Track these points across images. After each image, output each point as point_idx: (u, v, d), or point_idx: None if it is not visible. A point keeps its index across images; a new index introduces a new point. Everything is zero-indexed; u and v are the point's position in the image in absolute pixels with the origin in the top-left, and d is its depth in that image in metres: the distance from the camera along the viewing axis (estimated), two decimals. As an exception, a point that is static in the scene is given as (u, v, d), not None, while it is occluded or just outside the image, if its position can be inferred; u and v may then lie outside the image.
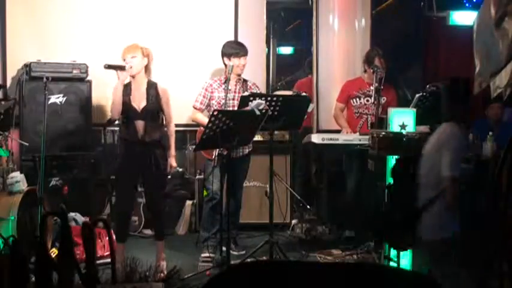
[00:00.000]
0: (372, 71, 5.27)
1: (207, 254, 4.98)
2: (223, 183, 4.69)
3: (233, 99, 5.04)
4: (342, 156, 5.59)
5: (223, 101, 4.93)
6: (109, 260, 2.79)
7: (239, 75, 5.11)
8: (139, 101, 4.54)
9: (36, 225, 4.43)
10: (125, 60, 4.48)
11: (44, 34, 5.84)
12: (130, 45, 4.56)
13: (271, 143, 4.80)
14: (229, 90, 5.02)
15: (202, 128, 4.96)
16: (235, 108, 4.86)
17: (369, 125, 5.39)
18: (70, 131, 5.55)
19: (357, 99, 5.55)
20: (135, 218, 5.76)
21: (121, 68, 4.44)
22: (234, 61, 5.03)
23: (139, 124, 4.51)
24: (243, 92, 5.05)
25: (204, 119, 5.00)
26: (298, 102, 4.87)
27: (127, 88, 4.52)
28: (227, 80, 4.95)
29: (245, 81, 5.20)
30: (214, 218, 5.03)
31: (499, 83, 3.66)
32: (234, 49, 5.08)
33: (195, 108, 5.15)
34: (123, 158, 4.57)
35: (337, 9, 6.31)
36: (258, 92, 5.24)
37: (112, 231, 4.22)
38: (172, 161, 4.71)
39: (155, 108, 4.57)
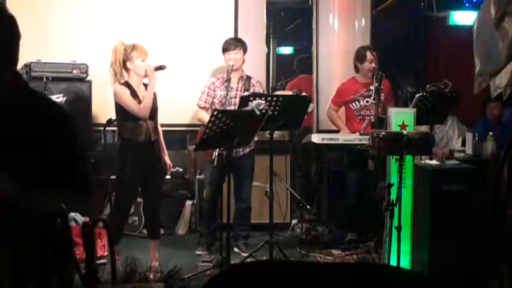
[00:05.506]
0: (365, 67, 5.33)
1: (201, 252, 5.12)
2: (221, 184, 4.68)
3: (235, 97, 5.04)
4: (342, 156, 5.58)
5: (225, 99, 4.94)
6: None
7: (237, 69, 5.06)
8: None
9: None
10: (143, 60, 4.48)
11: (44, 34, 5.83)
12: (144, 47, 4.55)
13: (271, 143, 4.80)
14: (231, 88, 5.03)
15: (203, 127, 4.99)
16: (237, 107, 4.84)
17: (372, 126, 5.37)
18: (70, 131, 5.53)
19: (356, 102, 5.44)
20: (135, 218, 5.76)
21: (163, 68, 4.52)
22: (226, 56, 5.08)
23: (150, 124, 4.51)
24: (246, 89, 5.06)
25: (208, 118, 5.02)
26: (298, 102, 4.87)
27: (130, 89, 4.47)
28: (228, 79, 4.96)
29: (248, 78, 5.18)
30: (209, 218, 5.18)
31: (499, 83, 3.66)
32: (226, 44, 5.13)
33: (200, 106, 5.14)
34: (132, 159, 4.48)
35: (337, 9, 6.30)
36: (262, 89, 5.25)
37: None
38: (168, 159, 4.73)
39: (156, 107, 4.59)
